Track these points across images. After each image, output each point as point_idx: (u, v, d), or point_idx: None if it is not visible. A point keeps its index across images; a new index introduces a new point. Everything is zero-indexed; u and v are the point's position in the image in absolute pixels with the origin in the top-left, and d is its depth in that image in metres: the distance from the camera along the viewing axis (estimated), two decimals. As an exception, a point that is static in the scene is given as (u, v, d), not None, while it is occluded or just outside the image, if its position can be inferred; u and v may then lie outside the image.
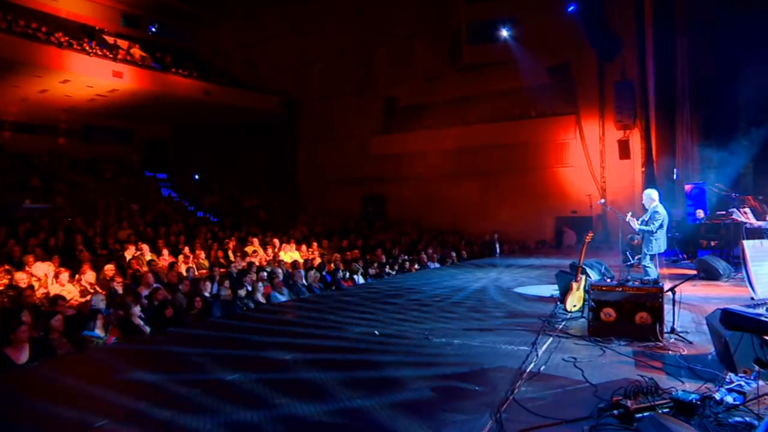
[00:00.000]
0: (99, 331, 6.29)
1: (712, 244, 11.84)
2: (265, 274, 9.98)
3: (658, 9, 16.96)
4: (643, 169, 18.92)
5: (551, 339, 5.23)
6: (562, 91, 21.10)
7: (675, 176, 18.05)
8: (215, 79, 24.71)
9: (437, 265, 14.68)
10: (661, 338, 4.86)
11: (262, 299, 8.93)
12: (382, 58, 25.57)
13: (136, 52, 23.70)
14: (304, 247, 14.86)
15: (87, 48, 20.12)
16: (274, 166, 27.50)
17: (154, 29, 27.27)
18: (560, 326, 5.77)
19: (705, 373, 3.96)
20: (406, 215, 24.35)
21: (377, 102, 25.95)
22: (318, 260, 13.46)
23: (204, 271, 11.02)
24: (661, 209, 7.62)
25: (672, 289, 5.26)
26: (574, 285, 6.40)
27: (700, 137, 15.51)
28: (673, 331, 5.16)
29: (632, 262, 9.25)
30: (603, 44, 19.07)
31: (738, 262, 9.92)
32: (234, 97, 24.89)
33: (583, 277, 6.51)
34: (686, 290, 7.54)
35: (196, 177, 25.83)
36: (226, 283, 8.92)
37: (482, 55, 22.25)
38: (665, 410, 3.17)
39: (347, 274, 11.47)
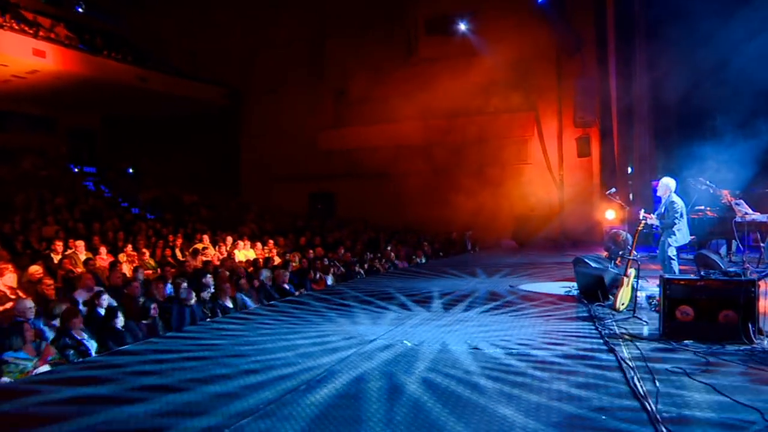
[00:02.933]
0: (26, 351, 4.87)
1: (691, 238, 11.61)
2: (227, 273, 8.67)
3: (619, 7, 16.92)
4: (601, 166, 18.91)
5: (625, 347, 4.36)
6: (520, 87, 20.83)
7: (630, 171, 18.18)
8: (152, 65, 22.67)
9: (405, 264, 13.79)
10: (755, 339, 4.15)
11: (228, 303, 7.65)
12: (333, 49, 24.43)
13: (61, 31, 21.33)
14: (259, 245, 13.55)
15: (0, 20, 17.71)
16: (215, 161, 25.72)
17: (81, 9, 24.72)
18: (616, 328, 4.95)
19: None
20: (357, 213, 23.32)
21: (327, 95, 24.81)
22: (277, 259, 12.25)
23: (150, 271, 9.54)
24: (677, 199, 7.09)
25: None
26: (625, 280, 5.65)
27: (661, 136, 15.52)
28: (761, 331, 4.45)
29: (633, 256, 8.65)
30: (564, 41, 18.93)
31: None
32: (173, 86, 22.94)
33: (633, 271, 5.79)
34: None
35: (130, 171, 23.62)
36: (184, 284, 7.59)
37: (439, 48, 21.67)
38: None
39: (317, 275, 10.32)
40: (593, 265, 7.95)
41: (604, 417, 2.92)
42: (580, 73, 18.78)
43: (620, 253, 11.02)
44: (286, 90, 25.02)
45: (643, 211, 7.20)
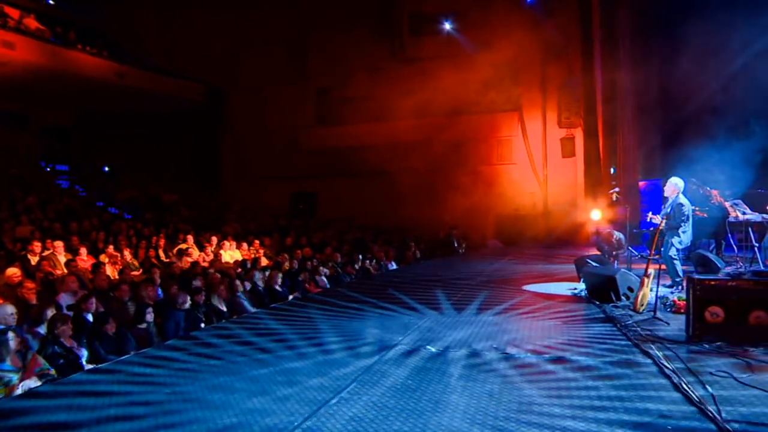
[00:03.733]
0: (10, 362, 4.47)
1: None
2: (219, 275, 8.30)
3: (604, 9, 17.00)
4: (586, 167, 19.00)
5: (658, 350, 4.18)
6: (505, 87, 20.81)
7: (612, 172, 18.28)
8: (130, 61, 21.95)
9: (393, 265, 13.55)
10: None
11: (222, 306, 7.30)
12: (316, 48, 24.07)
13: (32, 22, 20.46)
14: (245, 246, 13.16)
15: (-35, 10, 16.89)
16: (195, 160, 25.10)
17: (52, 1, 23.81)
18: (639, 330, 4.79)
19: None
20: (339, 213, 23.00)
21: (310, 94, 24.45)
22: (264, 260, 11.89)
23: (136, 273, 9.11)
24: (684, 200, 7.01)
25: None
26: (645, 281, 5.51)
27: (646, 136, 15.62)
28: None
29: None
30: (549, 42, 18.96)
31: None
32: (152, 82, 22.24)
33: (652, 272, 5.65)
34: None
35: (106, 170, 22.86)
36: (174, 287, 7.21)
37: (425, 48, 21.55)
38: None
39: (311, 276, 10.00)
40: (596, 265, 7.86)
41: (670, 427, 2.74)
42: (565, 74, 18.82)
43: (614, 253, 11.04)
44: (268, 88, 24.54)
45: (650, 213, 7.11)
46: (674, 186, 7.18)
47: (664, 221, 6.38)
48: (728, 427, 2.67)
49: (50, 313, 5.64)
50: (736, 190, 9.75)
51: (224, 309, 7.33)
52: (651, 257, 5.91)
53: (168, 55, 24.98)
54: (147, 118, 24.21)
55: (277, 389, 3.45)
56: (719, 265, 8.81)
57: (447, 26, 20.46)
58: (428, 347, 4.40)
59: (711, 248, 11.67)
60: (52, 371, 4.66)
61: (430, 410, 3.09)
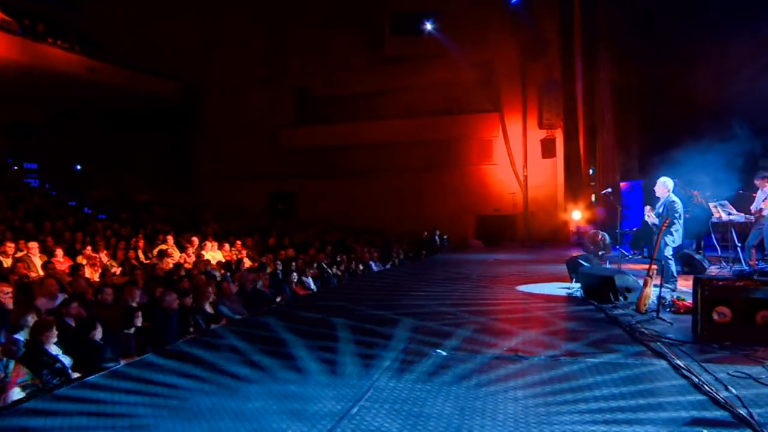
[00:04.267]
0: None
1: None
2: (204, 277, 8.04)
3: (585, 11, 17.20)
4: (565, 167, 19.21)
5: (668, 351, 4.15)
6: (486, 88, 20.90)
7: (591, 172, 18.53)
8: (102, 56, 21.30)
9: (380, 266, 13.41)
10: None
11: (210, 309, 7.05)
12: (295, 46, 23.81)
13: (-3, 14, 19.65)
14: (227, 247, 12.84)
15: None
16: (169, 159, 24.53)
17: (18, -8, 22.93)
18: (645, 330, 4.75)
19: None
20: (318, 213, 22.78)
21: (288, 92, 24.18)
22: (247, 261, 11.61)
23: (116, 275, 8.75)
24: (676, 199, 7.06)
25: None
26: (648, 281, 5.49)
27: (626, 138, 15.84)
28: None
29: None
30: (530, 43, 19.09)
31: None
32: (124, 79, 21.64)
33: (655, 271, 5.65)
34: (686, 285, 7.07)
35: (78, 168, 22.15)
36: (160, 289, 6.93)
37: (405, 47, 21.49)
38: None
39: (295, 278, 9.78)
40: (589, 265, 7.87)
41: (705, 430, 2.67)
42: (546, 75, 18.98)
43: (600, 253, 11.12)
44: (246, 87, 24.21)
45: (647, 208, 7.14)
46: (664, 185, 7.22)
47: (667, 221, 6.37)
48: (766, 431, 2.62)
49: (31, 319, 5.33)
50: (719, 193, 9.88)
51: (211, 312, 7.08)
52: (654, 258, 5.89)
53: (142, 52, 24.30)
54: (120, 116, 23.57)
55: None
56: (705, 265, 8.94)
57: (428, 26, 20.41)
58: (438, 351, 4.26)
59: (692, 248, 11.88)
60: (37, 382, 4.39)
61: (469, 413, 2.97)
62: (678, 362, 3.78)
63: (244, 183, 23.95)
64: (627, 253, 11.12)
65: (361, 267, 12.39)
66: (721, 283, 4.42)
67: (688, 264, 9.01)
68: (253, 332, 5.33)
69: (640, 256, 11.98)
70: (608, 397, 3.20)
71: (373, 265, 13.07)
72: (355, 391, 3.40)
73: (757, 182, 8.83)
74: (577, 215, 17.44)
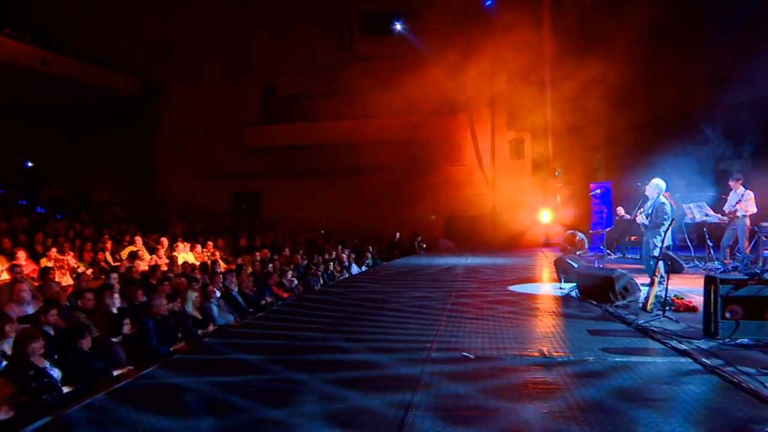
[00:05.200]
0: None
1: (633, 239, 12.15)
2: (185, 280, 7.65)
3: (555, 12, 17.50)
4: (534, 169, 19.51)
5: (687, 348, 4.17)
6: (455, 88, 20.94)
7: (557, 173, 18.90)
8: (55, 47, 20.20)
9: (356, 268, 13.21)
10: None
11: (196, 313, 6.71)
12: (260, 42, 23.24)
13: (-61, 1, 18.37)
14: (198, 248, 12.37)
15: None
16: (128, 157, 23.49)
17: (-39, -22, 21.51)
18: (655, 328, 4.79)
19: None
20: (283, 214, 22.35)
21: (254, 90, 23.59)
22: (222, 264, 11.22)
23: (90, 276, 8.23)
24: (665, 200, 7.21)
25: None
26: (656, 280, 5.54)
27: (598, 139, 16.15)
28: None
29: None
30: (499, 45, 19.25)
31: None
32: (79, 72, 20.57)
33: (660, 271, 5.71)
34: (678, 284, 7.25)
35: (29, 165, 20.95)
36: (139, 294, 6.56)
37: (375, 46, 21.30)
38: None
39: (276, 280, 9.48)
40: (576, 265, 7.96)
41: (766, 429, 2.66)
42: (515, 76, 19.08)
43: (578, 253, 11.31)
44: (209, 83, 23.48)
45: (639, 211, 7.26)
46: (655, 187, 7.37)
47: (673, 222, 6.48)
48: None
49: (8, 328, 4.90)
50: (694, 196, 10.20)
51: (198, 316, 6.75)
52: (660, 258, 5.98)
53: (99, 45, 23.25)
54: (75, 111, 22.45)
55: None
56: (681, 264, 9.22)
57: (398, 26, 20.32)
58: (464, 353, 4.15)
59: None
60: (26, 398, 4.02)
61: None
62: (705, 360, 3.80)
63: (208, 182, 23.24)
64: (611, 253, 11.33)
65: (339, 268, 12.15)
66: (734, 282, 4.51)
67: (666, 263, 9.23)
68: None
69: (621, 256, 12.23)
70: (656, 397, 3.17)
71: (352, 267, 12.85)
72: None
73: (731, 183, 9.17)
74: (546, 216, 17.74)
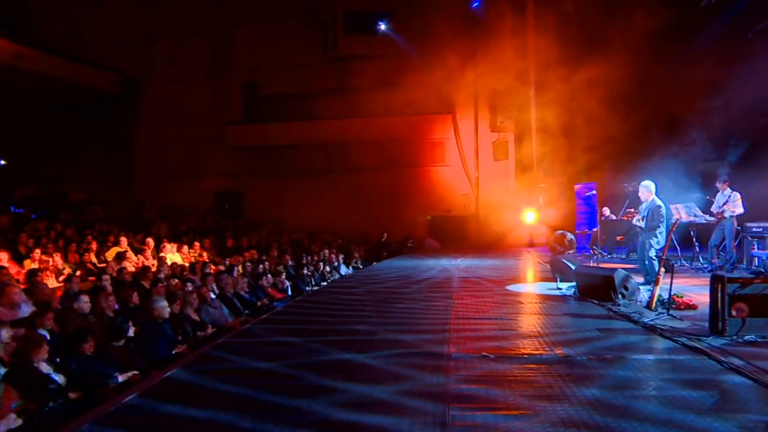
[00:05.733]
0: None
1: (618, 239, 12.33)
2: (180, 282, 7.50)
3: (538, 17, 17.70)
4: (517, 169, 19.69)
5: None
6: (439, 89, 21.03)
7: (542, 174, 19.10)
8: (29, 42, 19.61)
9: (344, 268, 13.13)
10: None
11: (194, 316, 6.57)
12: (243, 40, 22.96)
13: None
14: (185, 249, 12.14)
15: None
16: (106, 155, 22.94)
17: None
18: (662, 326, 4.88)
19: None
20: (267, 214, 22.12)
21: (236, 89, 23.29)
22: (211, 265, 11.02)
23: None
24: (661, 203, 7.35)
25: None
26: (660, 278, 5.63)
27: (582, 140, 16.36)
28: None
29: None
30: (482, 46, 19.38)
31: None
32: (55, 68, 20.03)
33: (664, 270, 5.80)
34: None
35: (2, 163, 20.31)
36: (134, 295, 6.39)
37: (359, 46, 21.23)
38: None
39: (270, 280, 9.37)
40: (573, 266, 8.05)
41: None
42: (499, 77, 19.19)
43: (568, 252, 11.43)
44: (190, 81, 23.12)
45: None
46: (647, 189, 7.51)
47: (677, 222, 6.61)
48: None
49: (5, 333, 4.71)
50: (680, 197, 10.40)
51: (196, 318, 6.61)
52: (664, 257, 6.08)
53: (74, 39, 22.69)
54: (51, 108, 21.86)
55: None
56: (672, 263, 9.38)
57: (382, 26, 20.30)
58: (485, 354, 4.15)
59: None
60: (33, 406, 3.87)
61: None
62: (721, 357, 3.88)
63: (188, 181, 22.81)
64: (603, 253, 11.49)
65: (328, 269, 12.06)
66: (740, 281, 4.62)
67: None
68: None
69: (608, 256, 12.38)
70: (688, 396, 3.22)
71: (341, 267, 12.78)
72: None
73: (718, 185, 9.39)
74: (530, 217, 17.92)
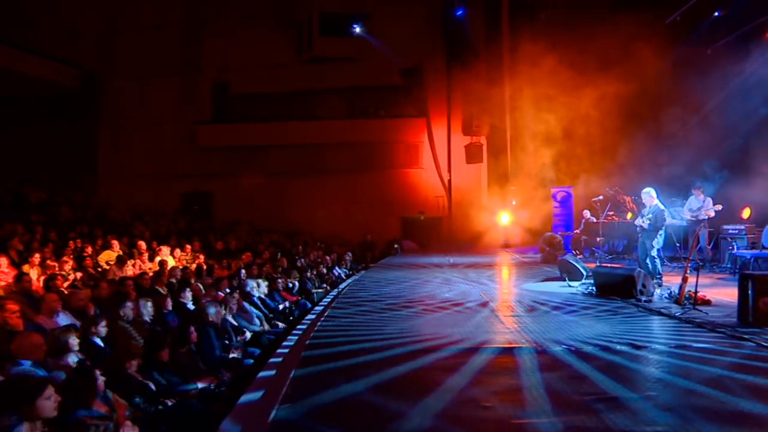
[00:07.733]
0: (97, 407, 3.58)
1: (599, 240, 13.06)
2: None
3: (512, 22, 18.33)
4: (490, 172, 20.33)
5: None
6: (413, 92, 21.43)
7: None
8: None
9: (338, 269, 13.23)
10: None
11: (232, 320, 6.59)
12: (212, 38, 22.53)
13: None
14: (178, 252, 11.91)
15: None
16: (66, 153, 21.95)
17: None
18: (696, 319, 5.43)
19: None
20: (237, 216, 21.79)
21: (205, 87, 22.85)
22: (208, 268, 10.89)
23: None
24: (664, 208, 7.97)
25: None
26: (687, 275, 6.20)
27: (557, 144, 17.07)
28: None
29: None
30: (457, 50, 19.91)
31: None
32: (10, 60, 19.03)
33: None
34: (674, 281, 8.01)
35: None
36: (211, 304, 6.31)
37: (334, 48, 21.31)
38: None
39: (282, 284, 9.40)
40: (578, 265, 8.58)
41: None
42: (473, 81, 19.68)
43: (558, 254, 12.02)
44: (155, 78, 22.50)
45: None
46: (649, 195, 8.13)
47: (699, 230, 7.27)
48: None
49: (72, 340, 4.64)
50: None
51: (235, 323, 6.63)
52: (690, 257, 6.65)
53: (29, 31, 21.53)
54: (4, 102, 20.64)
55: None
56: (663, 262, 10.11)
57: (357, 29, 20.46)
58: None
59: (623, 247, 13.25)
60: (139, 414, 3.88)
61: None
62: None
63: (154, 181, 22.17)
64: (596, 252, 12.10)
65: (325, 271, 12.15)
66: (766, 277, 5.22)
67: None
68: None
69: (590, 256, 13.04)
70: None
71: (339, 271, 12.87)
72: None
73: (693, 191, 10.23)
74: (505, 219, 18.55)
